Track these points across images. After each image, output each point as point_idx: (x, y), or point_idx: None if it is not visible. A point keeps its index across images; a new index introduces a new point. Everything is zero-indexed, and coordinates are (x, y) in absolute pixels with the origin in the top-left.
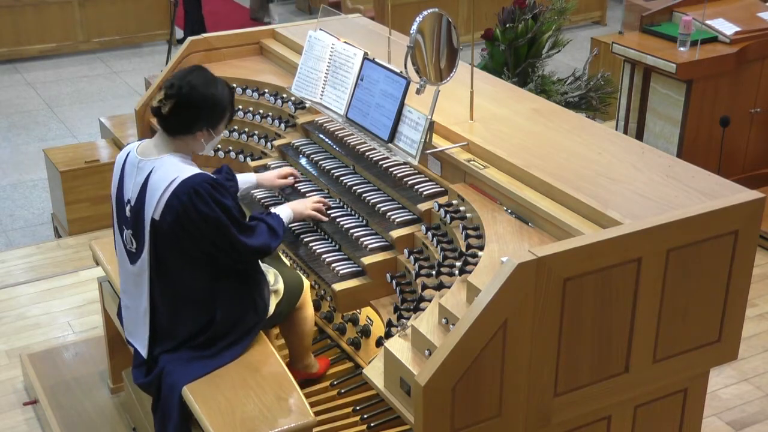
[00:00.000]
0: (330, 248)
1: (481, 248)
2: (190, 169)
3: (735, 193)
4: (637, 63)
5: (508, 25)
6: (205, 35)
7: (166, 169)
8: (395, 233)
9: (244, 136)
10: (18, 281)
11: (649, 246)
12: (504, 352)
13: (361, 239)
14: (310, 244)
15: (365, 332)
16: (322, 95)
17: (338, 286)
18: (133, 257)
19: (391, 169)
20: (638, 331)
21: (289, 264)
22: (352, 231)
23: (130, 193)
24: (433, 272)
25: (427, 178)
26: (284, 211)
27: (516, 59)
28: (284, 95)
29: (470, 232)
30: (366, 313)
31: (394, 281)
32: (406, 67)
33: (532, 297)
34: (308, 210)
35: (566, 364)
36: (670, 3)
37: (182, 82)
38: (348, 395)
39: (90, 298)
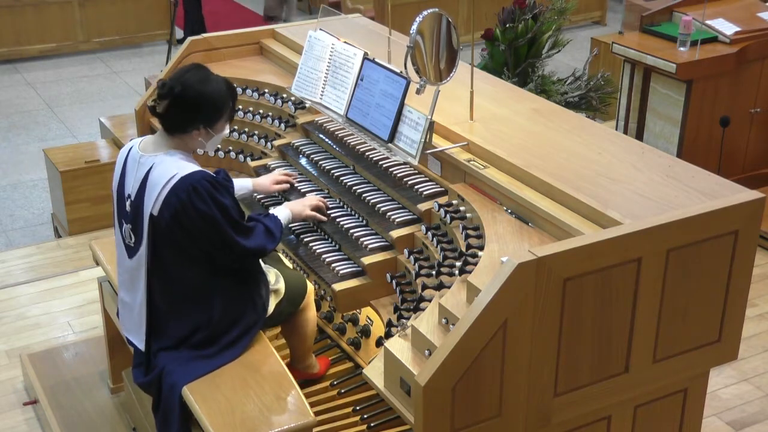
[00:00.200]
0: (330, 248)
1: (481, 248)
2: (190, 167)
3: (735, 193)
4: (637, 63)
5: (508, 25)
6: (205, 35)
7: (167, 166)
8: (395, 233)
9: (244, 136)
10: (18, 281)
11: (649, 246)
12: (504, 352)
13: (361, 239)
14: (310, 244)
15: (365, 332)
16: (322, 95)
17: (338, 286)
18: (131, 251)
19: (391, 169)
20: (638, 331)
21: (291, 266)
22: (352, 231)
23: (131, 188)
24: (433, 272)
25: (427, 178)
26: (282, 213)
27: (516, 59)
28: (284, 95)
29: (470, 232)
30: (366, 313)
31: (394, 281)
32: (406, 67)
33: (532, 297)
34: (307, 210)
35: (566, 364)
36: (670, 3)
37: (175, 81)
38: (348, 395)
39: (90, 298)
